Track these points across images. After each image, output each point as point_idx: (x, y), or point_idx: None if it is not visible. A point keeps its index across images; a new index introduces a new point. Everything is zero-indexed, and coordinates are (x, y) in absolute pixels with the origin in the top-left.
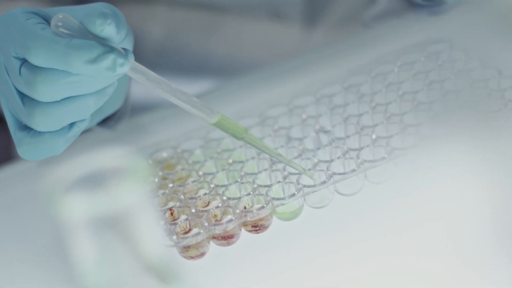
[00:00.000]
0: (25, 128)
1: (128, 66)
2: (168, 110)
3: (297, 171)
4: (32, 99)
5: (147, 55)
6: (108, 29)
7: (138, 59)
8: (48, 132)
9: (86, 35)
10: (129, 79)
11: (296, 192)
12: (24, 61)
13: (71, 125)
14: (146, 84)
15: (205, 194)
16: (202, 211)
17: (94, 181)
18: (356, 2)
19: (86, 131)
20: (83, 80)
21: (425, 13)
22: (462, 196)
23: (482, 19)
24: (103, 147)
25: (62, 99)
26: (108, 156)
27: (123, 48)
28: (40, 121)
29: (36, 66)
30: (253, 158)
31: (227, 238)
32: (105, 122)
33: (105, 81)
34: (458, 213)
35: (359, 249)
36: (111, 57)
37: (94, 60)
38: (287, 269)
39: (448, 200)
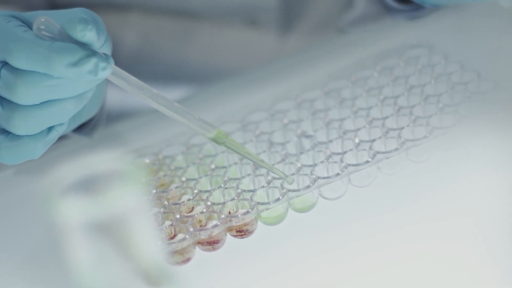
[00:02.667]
0: (3, 131)
1: (110, 70)
2: (147, 117)
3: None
4: (11, 102)
5: (122, 62)
6: (89, 35)
7: None
8: (26, 136)
9: (67, 39)
10: (105, 85)
11: (280, 197)
12: (4, 64)
13: (50, 129)
14: (127, 89)
15: (189, 199)
16: (187, 216)
17: (89, 185)
18: (331, 8)
19: (63, 138)
20: (64, 84)
21: (402, 17)
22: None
23: (460, 23)
24: (94, 152)
25: (41, 103)
26: (102, 160)
27: (104, 53)
28: (19, 125)
29: (17, 69)
30: (235, 163)
31: (212, 243)
32: (81, 128)
33: (86, 85)
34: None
35: (346, 251)
36: (93, 61)
37: (76, 64)
38: (272, 274)
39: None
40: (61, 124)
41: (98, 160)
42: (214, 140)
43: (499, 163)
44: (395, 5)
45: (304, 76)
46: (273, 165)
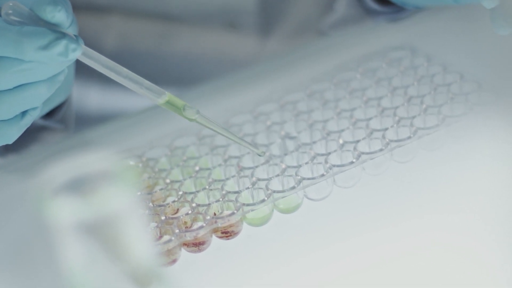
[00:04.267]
0: None
1: (80, 51)
2: (129, 120)
3: (266, 177)
4: None
5: None
6: (58, 15)
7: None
8: (1, 120)
9: (36, 22)
10: (74, 69)
11: (266, 198)
12: None
13: (24, 113)
14: (98, 69)
15: (174, 201)
16: (172, 218)
17: (78, 186)
18: (311, 11)
19: (40, 131)
20: (35, 68)
21: (383, 20)
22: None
23: (442, 25)
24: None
25: (14, 87)
26: (94, 160)
27: (74, 35)
28: None
29: None
30: (220, 165)
31: (198, 244)
32: (52, 114)
33: (57, 67)
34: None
35: (332, 251)
36: (63, 43)
37: (46, 47)
38: (258, 274)
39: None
40: (34, 108)
41: (88, 161)
42: (185, 116)
43: (484, 162)
44: (376, 7)
45: (287, 79)
46: (257, 167)
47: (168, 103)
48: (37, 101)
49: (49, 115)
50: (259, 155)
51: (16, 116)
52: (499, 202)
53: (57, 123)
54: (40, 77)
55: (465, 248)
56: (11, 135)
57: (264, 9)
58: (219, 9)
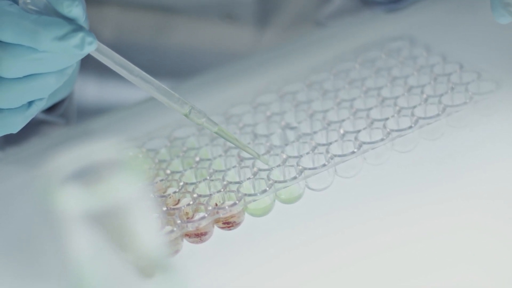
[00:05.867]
0: None
1: (95, 45)
2: (128, 111)
3: (267, 168)
4: None
5: None
6: (75, 10)
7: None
8: (7, 109)
9: (53, 14)
10: (79, 65)
11: (267, 188)
12: None
13: (30, 103)
14: (111, 66)
15: (175, 192)
16: (173, 209)
17: (88, 174)
18: (308, 2)
19: (40, 123)
20: (48, 58)
21: (381, 10)
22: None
23: (440, 14)
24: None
25: (24, 76)
26: (98, 150)
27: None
28: (1, 97)
29: (2, 42)
30: (220, 155)
31: (200, 235)
32: (54, 109)
33: (69, 60)
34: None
35: (333, 241)
36: (80, 35)
37: (62, 37)
38: (260, 265)
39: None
40: (41, 99)
41: (91, 151)
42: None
43: (485, 152)
44: None
45: (285, 70)
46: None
47: (180, 105)
48: (45, 92)
49: (51, 109)
50: (266, 164)
51: (22, 106)
52: (500, 192)
53: (58, 117)
54: (50, 69)
55: (466, 237)
56: (16, 124)
57: (261, 0)
58: (216, 0)
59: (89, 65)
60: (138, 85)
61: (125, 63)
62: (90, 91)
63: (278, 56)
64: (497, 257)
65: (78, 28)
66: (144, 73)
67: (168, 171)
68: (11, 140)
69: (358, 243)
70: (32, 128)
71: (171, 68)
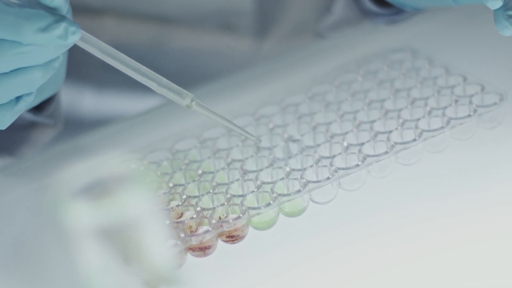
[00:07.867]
0: None
1: (79, 34)
2: (128, 122)
3: (271, 181)
4: None
5: (95, 66)
6: (57, 0)
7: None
8: None
9: (35, 5)
10: (66, 61)
11: (271, 201)
12: None
13: (18, 98)
14: (96, 54)
15: (178, 205)
16: (177, 222)
17: (93, 187)
18: (308, 13)
19: (29, 126)
20: (33, 51)
21: (382, 22)
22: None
23: (441, 26)
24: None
25: (10, 71)
26: (103, 162)
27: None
28: None
29: None
30: (223, 168)
31: (204, 249)
32: (42, 109)
33: (54, 52)
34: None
35: (338, 254)
36: (63, 25)
37: (45, 29)
38: (264, 278)
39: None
40: (29, 94)
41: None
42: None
43: (489, 165)
44: (375, 9)
45: (286, 81)
46: (261, 170)
47: (165, 88)
48: (32, 87)
49: (39, 109)
50: (258, 144)
51: (10, 101)
52: (505, 204)
53: (47, 118)
54: (36, 61)
55: (471, 251)
56: (5, 121)
57: (261, 10)
58: (215, 10)
59: (87, 76)
60: (125, 72)
61: (111, 50)
62: (88, 102)
63: (279, 67)
64: (504, 270)
65: (60, 18)
66: (130, 59)
67: (171, 184)
68: (1, 146)
69: (363, 257)
70: (23, 132)
71: (170, 79)
